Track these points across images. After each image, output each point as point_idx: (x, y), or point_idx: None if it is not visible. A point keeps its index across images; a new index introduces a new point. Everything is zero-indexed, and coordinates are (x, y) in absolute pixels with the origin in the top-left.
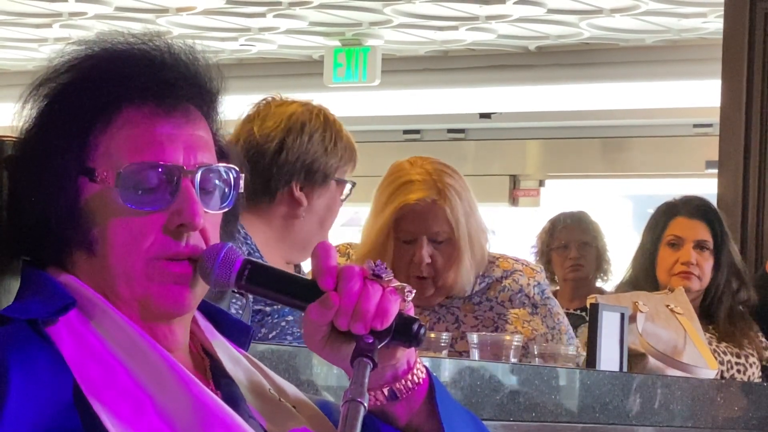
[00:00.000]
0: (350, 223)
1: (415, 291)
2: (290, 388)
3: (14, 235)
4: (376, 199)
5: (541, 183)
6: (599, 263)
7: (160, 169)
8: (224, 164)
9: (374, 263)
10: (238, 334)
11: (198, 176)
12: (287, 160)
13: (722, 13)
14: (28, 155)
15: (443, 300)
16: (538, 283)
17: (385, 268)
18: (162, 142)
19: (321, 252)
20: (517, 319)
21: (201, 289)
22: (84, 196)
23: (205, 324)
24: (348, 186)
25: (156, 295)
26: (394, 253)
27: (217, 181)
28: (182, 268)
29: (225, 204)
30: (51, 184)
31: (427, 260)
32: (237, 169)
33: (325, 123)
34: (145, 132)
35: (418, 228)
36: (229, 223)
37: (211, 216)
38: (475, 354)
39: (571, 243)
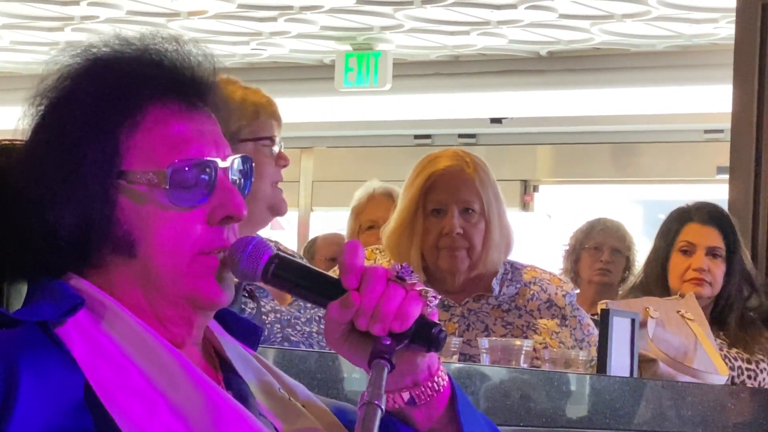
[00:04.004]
0: None
1: (439, 297)
2: (300, 389)
3: (39, 249)
4: (407, 180)
5: (535, 188)
6: (625, 275)
7: (201, 165)
8: (242, 155)
9: (399, 265)
10: (247, 334)
11: (232, 169)
12: None
13: (733, 18)
14: (49, 163)
15: (473, 305)
16: (567, 293)
17: (411, 272)
18: (196, 138)
19: (348, 250)
20: (545, 329)
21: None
22: (121, 198)
23: (214, 325)
24: (266, 142)
25: (205, 288)
26: (423, 226)
27: (240, 172)
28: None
29: (245, 194)
30: (85, 191)
31: (459, 230)
32: (251, 158)
33: None
34: (179, 129)
35: (448, 197)
36: None
37: None
38: (486, 359)
39: (605, 246)
